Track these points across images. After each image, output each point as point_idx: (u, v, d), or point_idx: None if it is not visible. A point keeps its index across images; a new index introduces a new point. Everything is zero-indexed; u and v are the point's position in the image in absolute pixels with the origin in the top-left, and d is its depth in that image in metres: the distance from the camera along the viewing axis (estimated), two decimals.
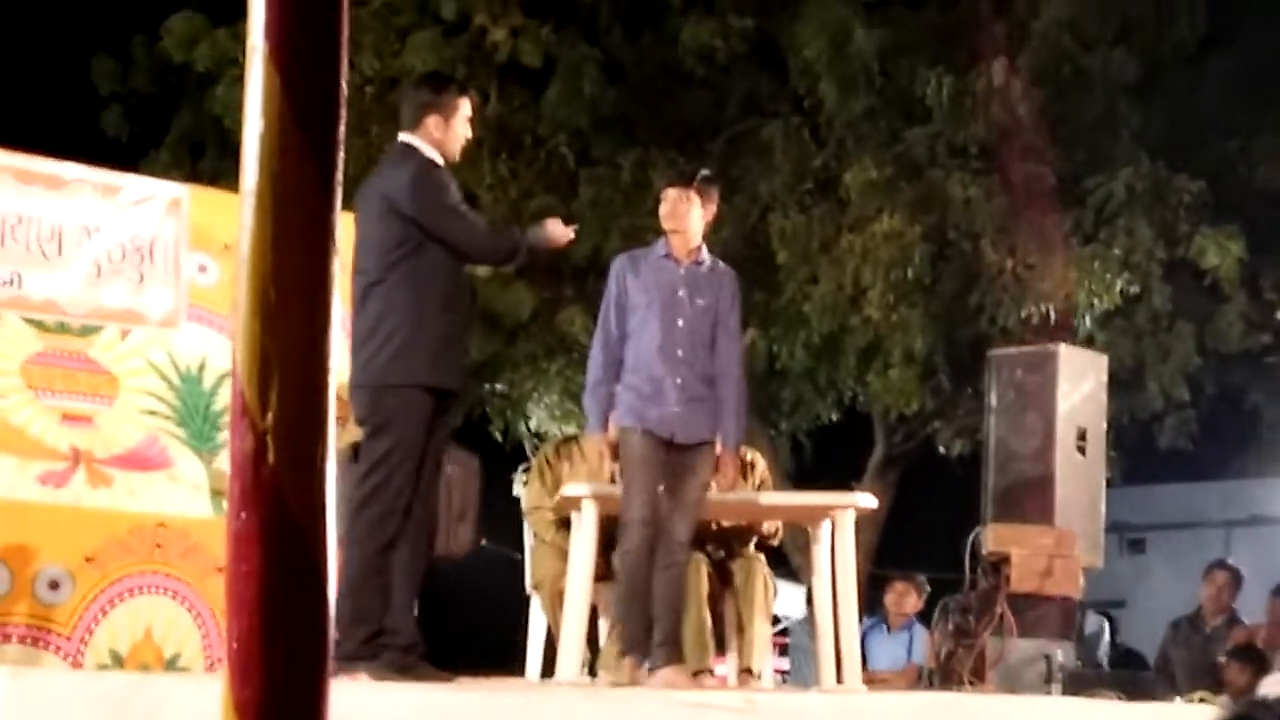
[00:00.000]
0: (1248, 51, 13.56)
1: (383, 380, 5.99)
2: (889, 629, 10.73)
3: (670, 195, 6.93)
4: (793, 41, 12.95)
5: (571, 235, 6.58)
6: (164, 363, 7.12)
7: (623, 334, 6.83)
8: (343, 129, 1.31)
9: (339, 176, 1.29)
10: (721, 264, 7.13)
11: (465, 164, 12.76)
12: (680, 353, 6.79)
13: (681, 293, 6.83)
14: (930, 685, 8.56)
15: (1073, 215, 12.76)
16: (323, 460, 1.28)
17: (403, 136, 6.32)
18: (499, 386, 14.23)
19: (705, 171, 7.15)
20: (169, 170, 12.44)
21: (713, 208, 7.01)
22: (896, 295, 12.36)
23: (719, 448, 6.91)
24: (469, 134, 6.47)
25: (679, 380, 6.76)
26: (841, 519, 7.38)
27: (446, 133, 6.29)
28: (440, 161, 6.28)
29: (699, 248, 6.93)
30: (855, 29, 12.50)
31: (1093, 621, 10.66)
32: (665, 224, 6.93)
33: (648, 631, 6.75)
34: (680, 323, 6.81)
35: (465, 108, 6.40)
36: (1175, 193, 12.63)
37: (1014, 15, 13.11)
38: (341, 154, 1.25)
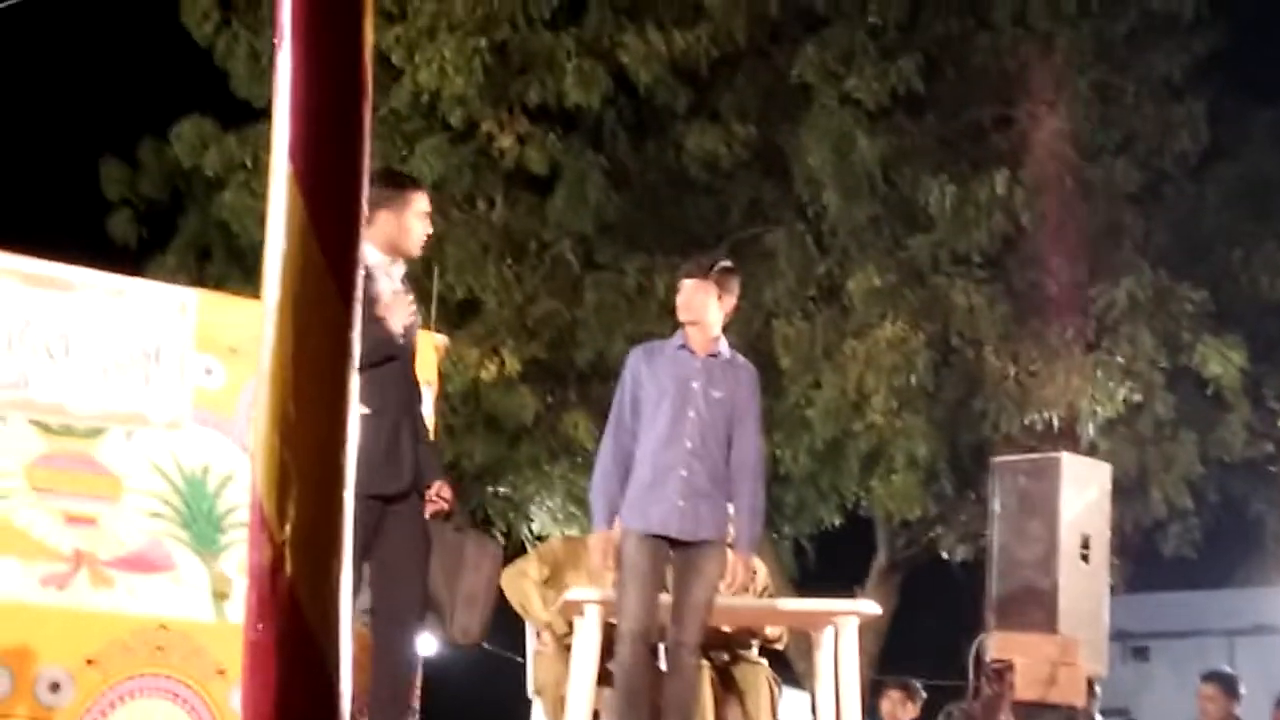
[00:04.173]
0: (1249, 162, 13.68)
1: None
2: None
3: (686, 286, 6.70)
4: (796, 149, 13.05)
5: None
6: (168, 465, 7.12)
7: (635, 426, 6.61)
8: (361, 247, 1.33)
9: (358, 294, 1.31)
10: (741, 358, 6.90)
11: (471, 269, 12.92)
12: (689, 444, 6.55)
13: (696, 384, 6.60)
14: None
15: (1075, 323, 12.80)
16: (338, 572, 1.30)
17: None
18: (501, 489, 14.23)
19: (724, 262, 6.87)
20: (176, 274, 12.52)
21: (732, 299, 6.74)
22: (899, 401, 12.39)
23: (730, 548, 6.65)
24: (427, 228, 6.37)
25: (685, 473, 6.53)
26: (845, 626, 7.34)
27: (398, 228, 6.24)
28: (373, 258, 6.17)
29: (717, 339, 6.71)
30: (858, 137, 12.59)
31: None
32: (681, 315, 6.70)
33: None
34: (691, 414, 6.56)
35: (419, 202, 6.29)
36: (1178, 302, 12.69)
37: (1017, 125, 13.23)
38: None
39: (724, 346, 6.79)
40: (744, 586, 6.95)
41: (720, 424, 6.64)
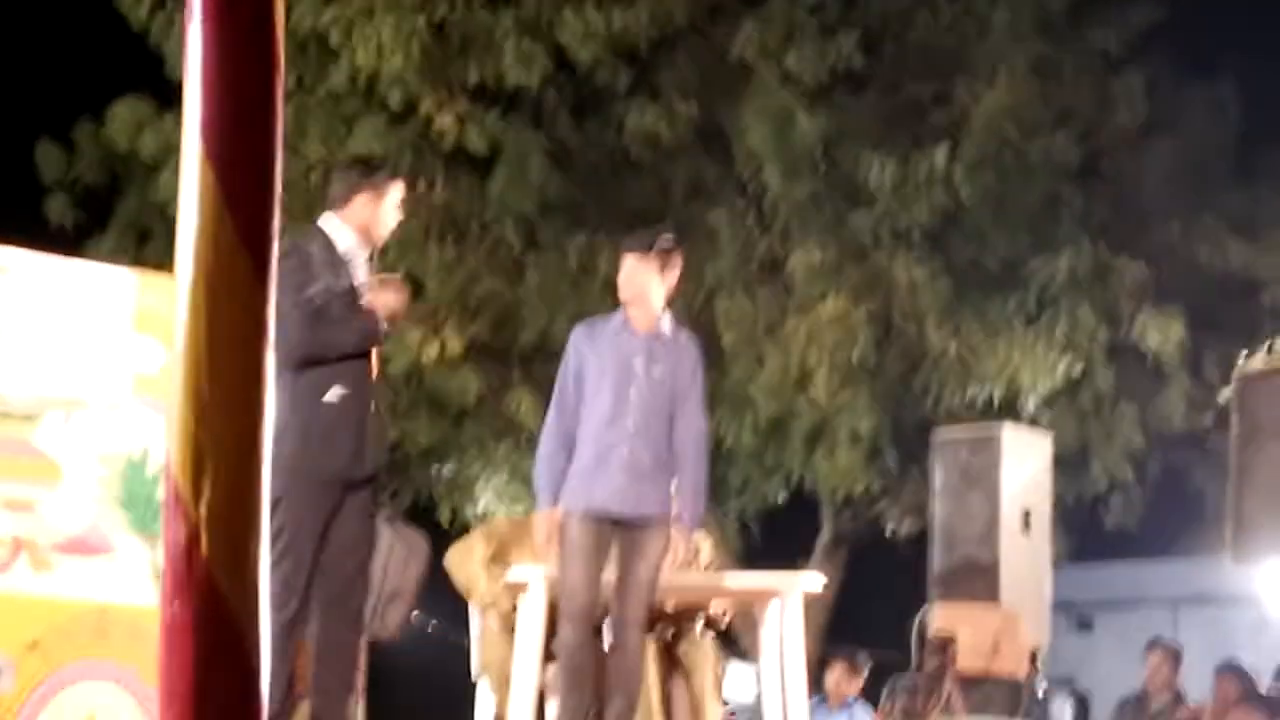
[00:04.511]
0: (1187, 136, 13.76)
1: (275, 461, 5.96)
2: (829, 708, 10.71)
3: (628, 264, 6.69)
4: (737, 127, 13.05)
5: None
6: (107, 448, 7.07)
7: (578, 405, 6.60)
8: (277, 224, 1.33)
9: (273, 271, 1.31)
10: (684, 335, 6.87)
11: (412, 249, 12.87)
12: (630, 424, 6.54)
13: (637, 363, 6.57)
14: None
15: (1016, 298, 12.87)
16: (256, 550, 1.29)
17: (321, 219, 6.29)
18: (446, 470, 14.20)
19: (666, 237, 6.83)
20: (115, 256, 12.40)
21: (674, 275, 6.71)
22: (842, 377, 12.41)
23: (673, 525, 6.63)
24: (398, 218, 6.38)
25: (627, 451, 6.53)
26: (790, 600, 7.37)
27: (374, 214, 6.26)
28: (347, 242, 6.19)
29: (659, 317, 6.69)
30: (798, 114, 12.61)
31: (1059, 702, 10.71)
32: (623, 294, 6.69)
33: None
34: (633, 393, 6.55)
35: (396, 191, 6.32)
36: (1117, 275, 12.77)
37: (956, 101, 13.26)
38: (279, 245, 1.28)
39: (666, 324, 6.76)
40: (688, 563, 6.96)
41: (663, 402, 6.63)
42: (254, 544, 1.30)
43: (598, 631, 6.93)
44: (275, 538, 5.81)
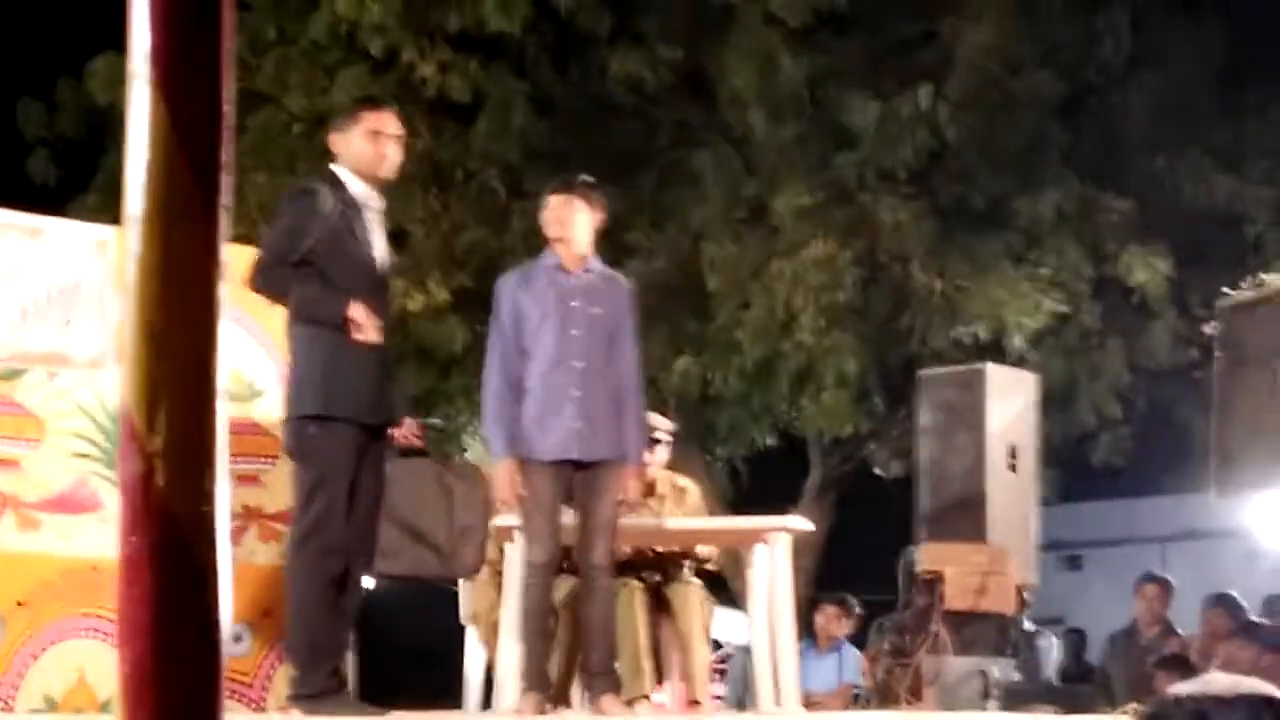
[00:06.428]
0: (1172, 71, 13.72)
1: (301, 412, 5.94)
2: (818, 651, 10.74)
3: (553, 203, 6.69)
4: (721, 70, 13.01)
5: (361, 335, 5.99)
6: (92, 404, 7.06)
7: (520, 350, 6.58)
8: (227, 152, 1.31)
9: (224, 201, 1.29)
10: (612, 271, 6.94)
11: (396, 198, 12.79)
12: (577, 364, 6.54)
13: (575, 302, 6.58)
14: (862, 705, 8.57)
15: (1002, 237, 12.85)
16: (212, 482, 1.28)
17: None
18: (434, 420, 14.20)
19: (586, 177, 6.87)
20: (97, 213, 12.34)
21: (599, 214, 6.73)
22: (828, 320, 12.40)
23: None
24: (391, 151, 6.20)
25: (578, 393, 6.52)
26: (777, 542, 7.38)
27: (352, 149, 6.15)
28: (356, 187, 6.14)
29: (587, 256, 6.70)
30: (782, 57, 12.57)
31: (1048, 638, 10.76)
32: (549, 232, 6.66)
33: (547, 671, 6.67)
34: (575, 333, 6.55)
35: (365, 120, 6.20)
36: (1103, 212, 12.77)
37: (940, 40, 13.22)
38: (230, 179, 1.26)
39: (595, 262, 6.78)
40: (642, 497, 6.96)
41: (603, 341, 6.63)
42: (210, 476, 1.29)
43: (577, 574, 6.92)
44: (315, 490, 5.81)
